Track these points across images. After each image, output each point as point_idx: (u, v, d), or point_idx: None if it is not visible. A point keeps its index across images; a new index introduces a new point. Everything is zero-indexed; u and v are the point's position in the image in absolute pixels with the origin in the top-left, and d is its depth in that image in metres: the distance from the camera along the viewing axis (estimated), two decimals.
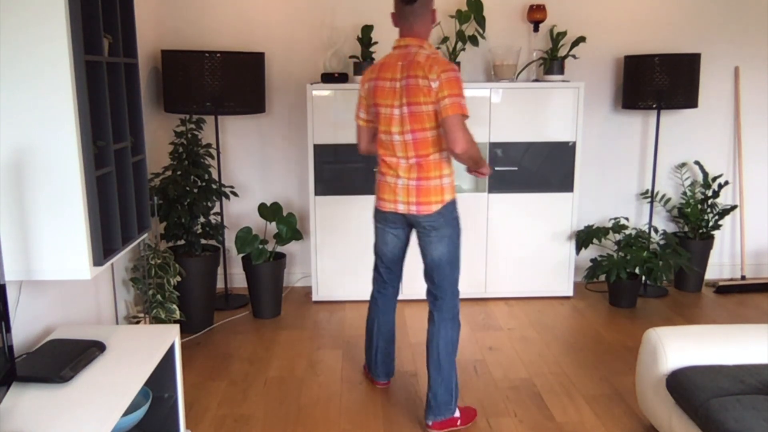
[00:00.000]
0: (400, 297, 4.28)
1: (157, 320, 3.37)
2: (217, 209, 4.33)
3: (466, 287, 4.29)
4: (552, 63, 4.15)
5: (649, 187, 4.61)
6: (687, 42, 4.44)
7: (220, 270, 4.41)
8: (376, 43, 4.15)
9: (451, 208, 2.77)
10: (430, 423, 2.78)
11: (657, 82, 4.09)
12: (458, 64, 4.12)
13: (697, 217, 4.42)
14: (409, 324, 3.93)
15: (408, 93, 2.66)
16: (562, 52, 4.30)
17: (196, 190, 3.76)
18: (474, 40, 4.19)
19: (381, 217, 2.94)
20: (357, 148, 3.05)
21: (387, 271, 3.04)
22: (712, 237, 4.49)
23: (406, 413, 2.93)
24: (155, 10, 4.17)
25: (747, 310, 4.15)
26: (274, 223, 4.34)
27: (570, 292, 4.35)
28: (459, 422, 2.80)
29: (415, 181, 2.74)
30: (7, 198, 2.08)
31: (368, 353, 3.18)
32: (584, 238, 4.18)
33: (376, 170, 2.93)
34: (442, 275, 2.80)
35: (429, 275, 2.84)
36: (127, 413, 2.19)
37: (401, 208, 2.80)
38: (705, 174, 4.47)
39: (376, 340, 3.12)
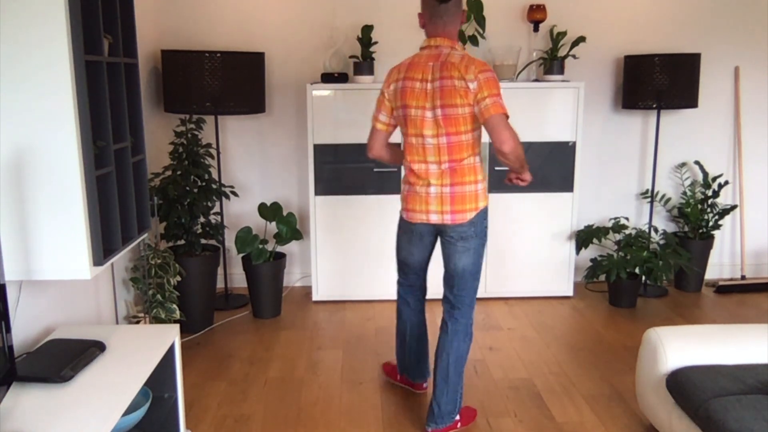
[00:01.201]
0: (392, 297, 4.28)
1: (157, 320, 3.37)
2: (217, 209, 4.33)
3: None
4: (552, 63, 4.15)
5: (649, 187, 4.61)
6: (687, 42, 4.44)
7: (220, 270, 4.41)
8: (376, 43, 4.15)
9: (483, 215, 2.68)
10: (429, 430, 2.76)
11: (657, 82, 4.09)
12: None
13: (697, 217, 4.42)
14: None
15: (443, 95, 2.57)
16: (562, 52, 4.30)
17: (196, 190, 3.76)
18: (474, 40, 4.19)
19: (407, 228, 2.84)
20: (367, 150, 2.87)
21: (415, 277, 3.00)
22: (712, 237, 4.49)
23: (406, 413, 2.93)
24: (155, 10, 4.17)
25: (747, 310, 4.15)
26: (274, 223, 4.34)
27: (570, 292, 4.35)
28: (459, 424, 2.80)
29: (449, 187, 2.64)
30: (7, 198, 2.08)
31: (401, 358, 3.09)
32: (584, 238, 4.18)
33: (406, 182, 2.80)
34: (462, 286, 2.75)
35: (449, 283, 2.78)
36: (127, 413, 2.19)
37: (434, 218, 2.70)
38: (705, 174, 4.47)
39: (409, 343, 3.04)
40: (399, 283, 3.06)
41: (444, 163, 2.64)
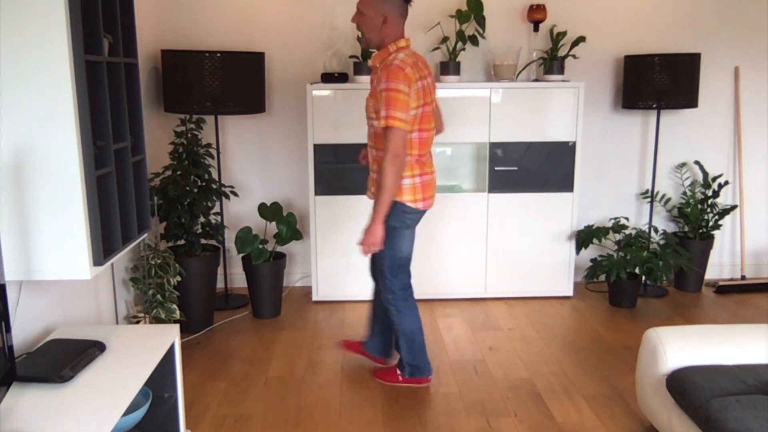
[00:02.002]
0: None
1: (157, 320, 3.37)
2: (217, 209, 4.33)
3: (466, 287, 4.29)
4: (552, 63, 4.15)
5: (649, 187, 4.61)
6: (687, 42, 4.44)
7: (220, 270, 4.41)
8: None
9: None
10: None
11: (657, 82, 4.09)
12: (458, 64, 4.13)
13: (697, 217, 4.42)
14: None
15: (433, 91, 2.94)
16: (562, 52, 4.30)
17: (196, 190, 3.76)
18: (474, 40, 4.19)
19: (418, 219, 2.95)
20: (402, 154, 2.73)
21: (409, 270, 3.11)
22: (712, 237, 4.49)
23: (406, 413, 2.93)
24: (155, 10, 4.17)
25: (747, 310, 4.15)
26: (274, 223, 4.34)
27: (570, 292, 4.35)
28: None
29: (435, 173, 3.04)
30: (7, 198, 2.08)
31: (424, 354, 3.14)
32: (584, 238, 4.18)
33: (420, 173, 2.89)
34: None
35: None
36: (127, 413, 2.19)
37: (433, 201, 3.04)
38: (705, 174, 4.47)
39: (422, 339, 3.13)
40: (407, 286, 3.05)
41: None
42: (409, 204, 2.86)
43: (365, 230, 2.80)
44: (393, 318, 3.06)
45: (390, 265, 2.95)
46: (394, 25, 2.78)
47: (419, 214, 2.92)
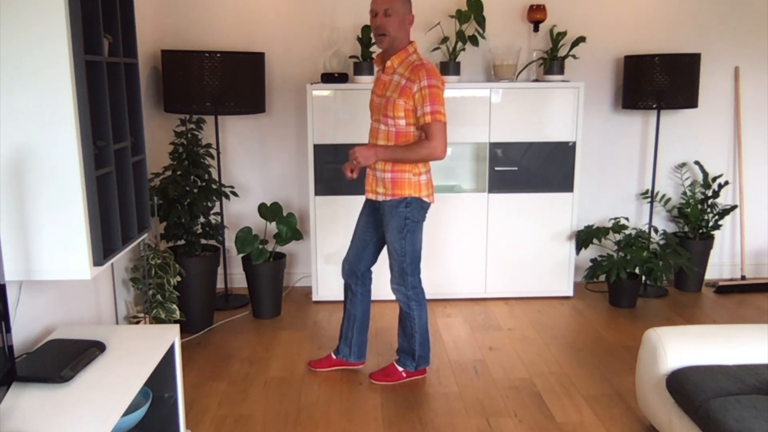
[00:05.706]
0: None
1: (157, 320, 3.37)
2: (217, 209, 4.33)
3: (466, 287, 4.29)
4: (552, 63, 4.15)
5: (649, 187, 4.61)
6: (687, 42, 4.44)
7: (220, 270, 4.41)
8: (375, 43, 4.14)
9: None
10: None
11: (657, 82, 4.09)
12: (458, 64, 4.13)
13: (697, 217, 4.42)
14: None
15: None
16: (562, 52, 4.30)
17: (196, 190, 3.76)
18: (474, 40, 4.19)
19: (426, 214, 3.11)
20: (444, 152, 2.89)
21: None
22: (712, 237, 4.49)
23: (406, 413, 2.93)
24: (155, 10, 4.17)
25: (747, 310, 4.15)
26: (274, 223, 4.34)
27: (570, 292, 4.35)
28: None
29: None
30: (7, 198, 2.08)
31: (429, 344, 3.25)
32: (584, 238, 4.18)
33: (427, 170, 3.04)
34: None
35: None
36: (127, 413, 2.19)
37: None
38: (705, 174, 4.47)
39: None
40: (420, 281, 3.15)
41: None
42: (425, 199, 3.02)
43: (361, 148, 2.93)
44: (413, 313, 3.13)
45: (412, 261, 3.07)
46: (410, 26, 2.93)
47: (428, 206, 3.08)
